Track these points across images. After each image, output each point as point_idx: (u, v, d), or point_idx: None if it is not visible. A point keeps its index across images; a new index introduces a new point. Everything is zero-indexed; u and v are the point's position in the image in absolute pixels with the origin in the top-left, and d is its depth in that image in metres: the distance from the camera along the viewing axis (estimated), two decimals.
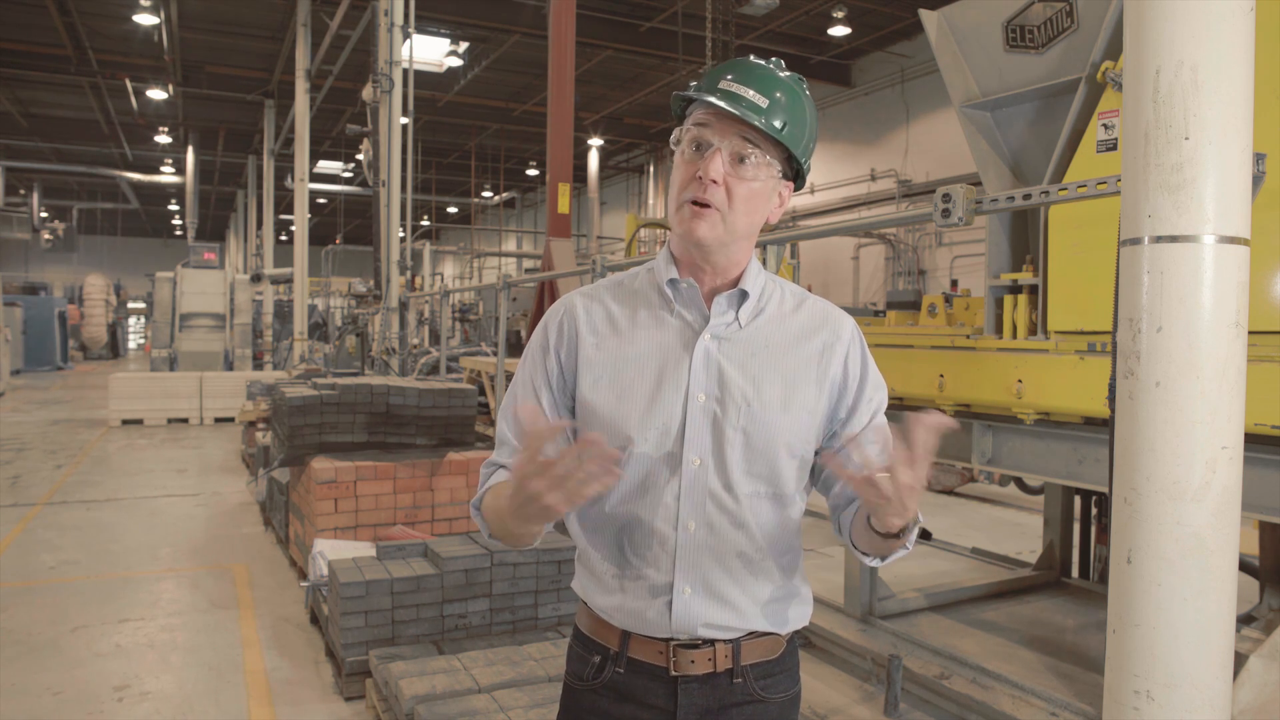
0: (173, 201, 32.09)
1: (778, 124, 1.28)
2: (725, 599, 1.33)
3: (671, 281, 1.37)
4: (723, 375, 1.33)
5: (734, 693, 1.36)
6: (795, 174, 1.37)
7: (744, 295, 1.36)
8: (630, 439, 1.32)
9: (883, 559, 1.34)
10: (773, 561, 1.37)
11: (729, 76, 1.30)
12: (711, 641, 1.34)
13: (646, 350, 1.36)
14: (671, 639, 1.34)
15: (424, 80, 16.02)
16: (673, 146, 1.36)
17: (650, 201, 24.36)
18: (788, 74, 1.34)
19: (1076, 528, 4.82)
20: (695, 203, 1.29)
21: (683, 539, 1.32)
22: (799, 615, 1.42)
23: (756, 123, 1.27)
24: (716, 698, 1.35)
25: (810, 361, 1.36)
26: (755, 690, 1.37)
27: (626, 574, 1.35)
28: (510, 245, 30.14)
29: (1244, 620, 3.55)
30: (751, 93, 1.28)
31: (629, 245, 10.85)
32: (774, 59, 1.36)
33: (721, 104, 1.27)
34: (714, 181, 1.28)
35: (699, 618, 1.32)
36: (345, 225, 29.94)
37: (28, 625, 4.61)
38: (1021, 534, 7.03)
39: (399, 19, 8.99)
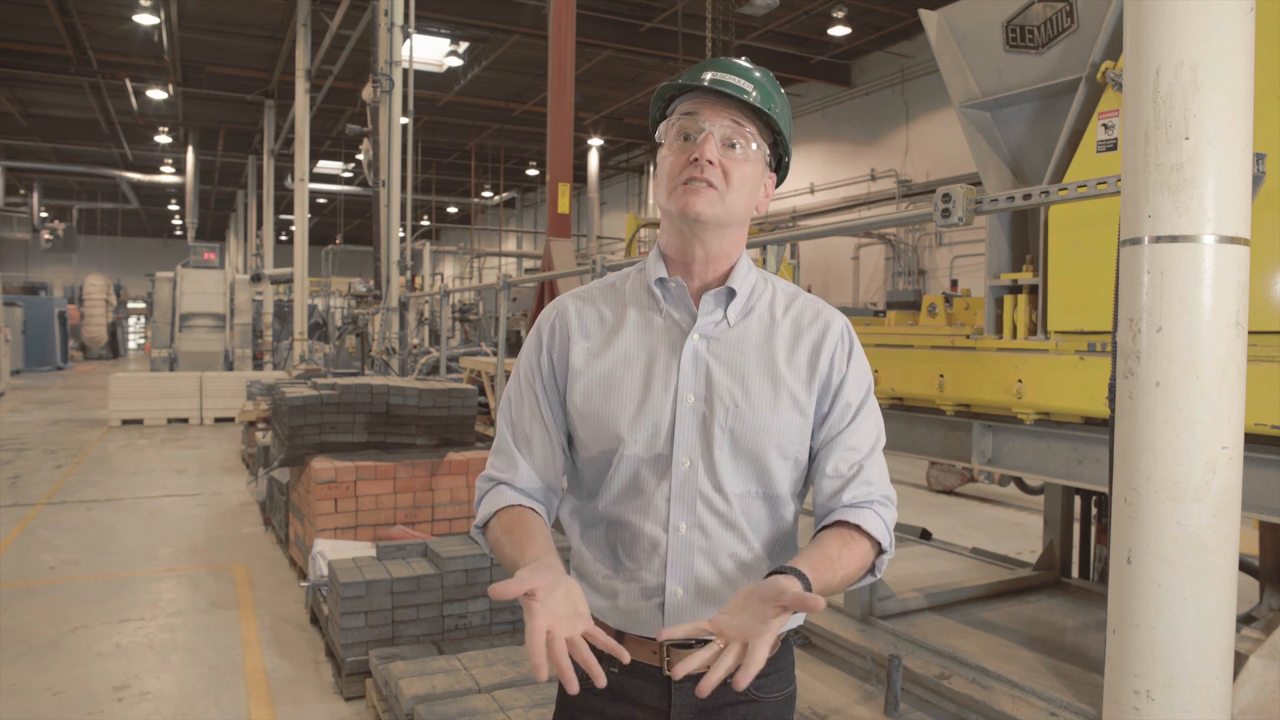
0: (173, 201, 32.10)
1: (765, 103, 1.31)
2: (718, 600, 1.32)
3: (660, 280, 1.37)
4: (710, 376, 1.33)
5: (728, 692, 1.35)
6: (776, 165, 1.39)
7: (731, 293, 1.36)
8: (621, 439, 1.33)
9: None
10: (767, 563, 1.36)
11: (712, 70, 1.33)
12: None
13: (635, 351, 1.36)
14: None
15: (424, 80, 16.03)
16: (659, 140, 1.37)
17: (650, 201, 24.35)
18: (760, 69, 1.37)
19: (1076, 528, 4.82)
20: (693, 180, 1.30)
21: (674, 540, 1.31)
22: (793, 615, 1.41)
23: (749, 99, 1.29)
24: (710, 697, 1.34)
25: (801, 361, 1.36)
26: (749, 690, 1.36)
27: (619, 575, 1.35)
28: (510, 245, 30.14)
29: (1244, 620, 3.55)
30: (736, 79, 1.31)
31: (629, 245, 10.85)
32: (743, 58, 1.39)
33: (714, 85, 1.29)
34: (710, 162, 1.29)
35: (691, 619, 1.32)
36: (345, 225, 29.95)
37: (28, 625, 4.61)
38: (1021, 534, 7.03)
39: (399, 19, 8.99)
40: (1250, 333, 1.93)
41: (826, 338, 1.37)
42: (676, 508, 1.31)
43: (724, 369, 1.33)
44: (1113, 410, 2.04)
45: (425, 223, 29.35)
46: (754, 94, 1.30)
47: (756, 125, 1.32)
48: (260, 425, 8.49)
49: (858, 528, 1.30)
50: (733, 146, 1.31)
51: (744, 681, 1.05)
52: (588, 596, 1.39)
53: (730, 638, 1.09)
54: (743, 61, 1.36)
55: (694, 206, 1.29)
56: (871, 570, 1.33)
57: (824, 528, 1.33)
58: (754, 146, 1.32)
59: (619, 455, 1.33)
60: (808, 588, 1.15)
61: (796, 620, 1.43)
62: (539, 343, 1.43)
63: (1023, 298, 3.47)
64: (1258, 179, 2.05)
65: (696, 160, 1.29)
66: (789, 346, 1.36)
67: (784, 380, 1.34)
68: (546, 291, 8.17)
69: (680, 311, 1.37)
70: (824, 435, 1.37)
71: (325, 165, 24.00)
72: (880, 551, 1.32)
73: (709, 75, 1.31)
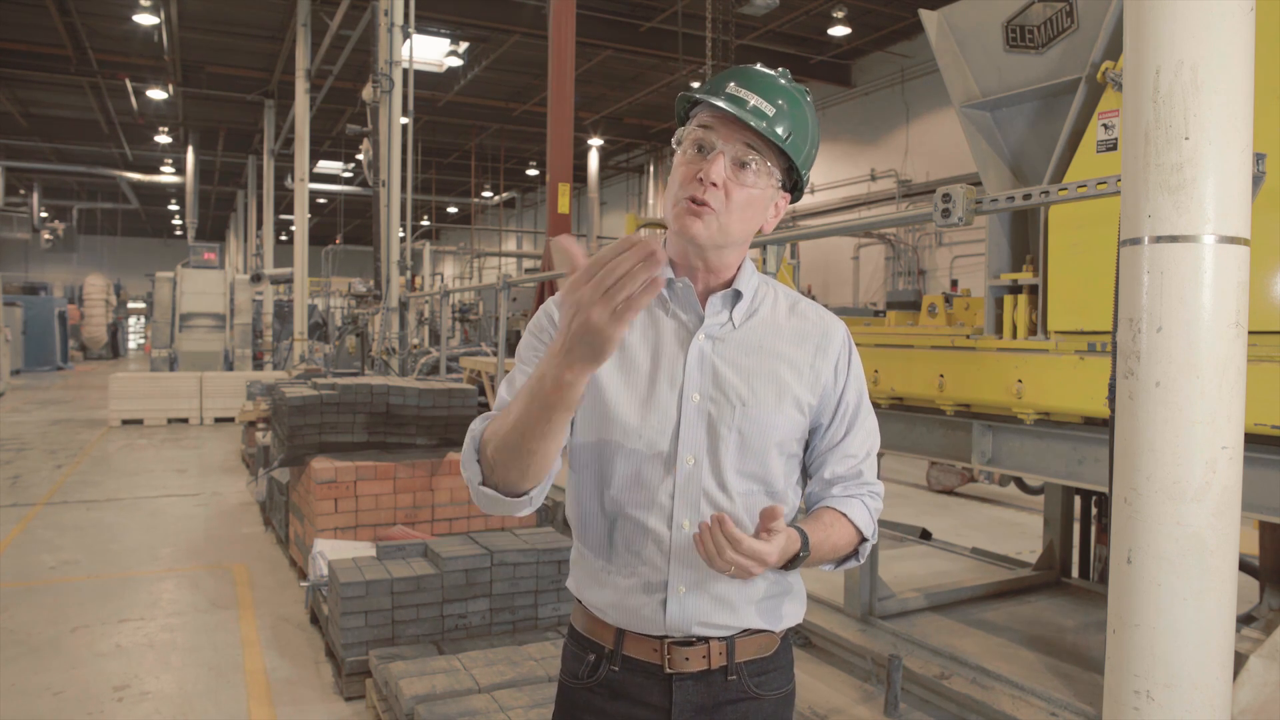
0: (173, 201, 32.09)
1: (781, 132, 1.29)
2: (720, 597, 1.34)
3: (668, 281, 1.38)
4: (717, 375, 1.34)
5: (728, 690, 1.37)
6: (794, 185, 1.38)
7: (737, 295, 1.37)
8: (626, 434, 1.34)
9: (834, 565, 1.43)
10: None
11: (736, 82, 1.31)
12: (706, 639, 1.35)
13: (642, 349, 1.37)
14: (666, 637, 1.35)
15: (424, 80, 16.02)
16: (674, 145, 1.37)
17: (650, 201, 24.36)
18: (793, 84, 1.35)
19: (1076, 528, 4.82)
20: (693, 201, 1.30)
21: (677, 537, 1.32)
22: (793, 612, 1.43)
23: (760, 127, 1.28)
24: (711, 695, 1.36)
25: (802, 363, 1.38)
26: (750, 687, 1.38)
27: (621, 571, 1.36)
28: (510, 245, 30.14)
29: (1244, 620, 3.55)
30: (757, 98, 1.29)
31: None
32: (780, 69, 1.38)
33: (727, 107, 1.28)
34: (714, 184, 1.28)
35: (694, 616, 1.33)
36: (345, 225, 29.92)
37: (28, 625, 4.61)
38: (1021, 534, 7.03)
39: (399, 19, 8.99)
40: (1250, 333, 1.93)
41: (830, 343, 1.40)
42: (680, 505, 1.32)
43: (730, 369, 1.35)
44: (1113, 410, 2.04)
45: (425, 223, 29.36)
46: (772, 116, 1.28)
47: (773, 149, 1.31)
48: (260, 425, 8.48)
49: (844, 514, 1.39)
50: (744, 167, 1.30)
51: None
52: (590, 592, 1.40)
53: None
54: (772, 74, 1.34)
55: (689, 230, 1.30)
56: (855, 555, 1.42)
57: (816, 508, 1.43)
58: (767, 169, 1.31)
59: (623, 451, 1.34)
60: (807, 543, 1.29)
61: (795, 618, 1.44)
62: (550, 320, 1.39)
63: (1023, 298, 3.47)
64: (1258, 179, 2.05)
65: (702, 179, 1.29)
66: (792, 348, 1.38)
67: (787, 381, 1.36)
68: (546, 291, 8.18)
69: (687, 312, 1.38)
70: (825, 443, 1.42)
71: (325, 165, 23.99)
72: (863, 539, 1.41)
73: (731, 88, 1.30)
